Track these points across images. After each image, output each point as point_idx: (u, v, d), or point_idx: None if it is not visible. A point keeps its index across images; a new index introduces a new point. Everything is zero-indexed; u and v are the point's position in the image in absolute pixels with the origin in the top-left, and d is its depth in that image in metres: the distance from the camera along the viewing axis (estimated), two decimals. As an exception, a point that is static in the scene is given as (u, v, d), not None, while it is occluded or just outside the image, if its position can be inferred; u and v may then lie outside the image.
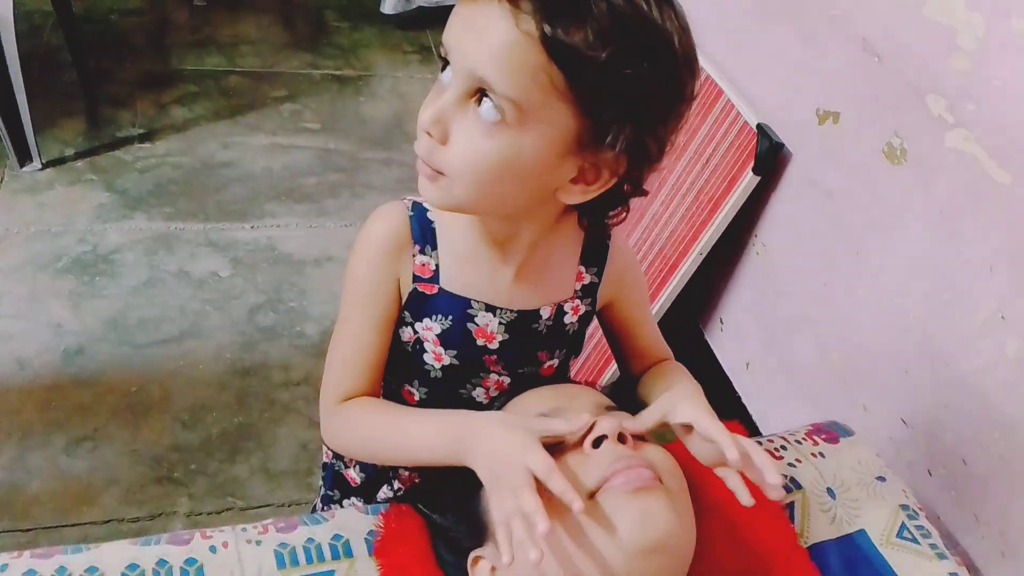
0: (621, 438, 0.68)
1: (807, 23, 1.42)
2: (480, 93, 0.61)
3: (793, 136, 1.44)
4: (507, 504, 0.63)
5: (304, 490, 1.52)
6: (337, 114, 2.55)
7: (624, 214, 0.75)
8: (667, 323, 1.61)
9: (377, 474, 0.92)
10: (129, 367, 1.68)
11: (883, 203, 1.28)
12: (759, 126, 1.46)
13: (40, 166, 2.09)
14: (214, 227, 2.05)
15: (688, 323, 1.76)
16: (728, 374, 1.67)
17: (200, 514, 1.46)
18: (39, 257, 1.87)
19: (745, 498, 0.67)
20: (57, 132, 2.22)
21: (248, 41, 2.78)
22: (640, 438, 0.71)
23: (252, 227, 2.08)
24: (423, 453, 0.73)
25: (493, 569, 0.70)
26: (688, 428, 0.69)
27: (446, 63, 0.64)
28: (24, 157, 2.08)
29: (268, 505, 1.49)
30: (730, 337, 1.68)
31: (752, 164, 1.45)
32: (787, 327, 1.51)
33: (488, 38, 0.59)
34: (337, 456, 0.98)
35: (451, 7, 0.65)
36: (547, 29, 0.57)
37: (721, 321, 1.69)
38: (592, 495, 0.64)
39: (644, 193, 0.70)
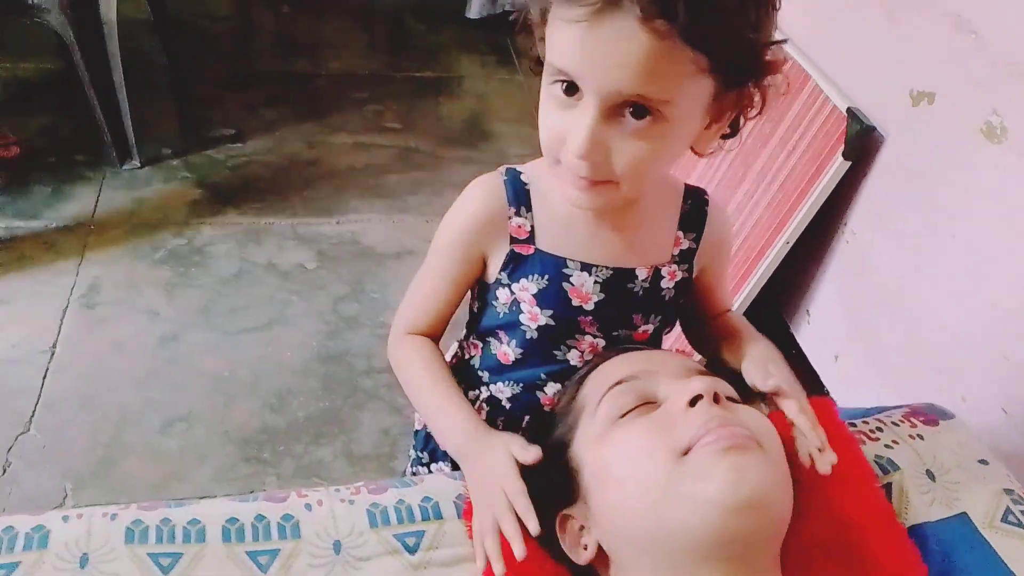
0: (716, 399, 0.67)
1: (896, 2, 1.39)
2: (629, 104, 0.63)
3: (885, 119, 1.41)
4: (484, 521, 0.71)
5: (386, 474, 1.55)
6: (417, 114, 2.59)
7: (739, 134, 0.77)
8: (751, 315, 1.58)
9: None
10: (220, 352, 1.74)
11: (981, 184, 1.24)
12: (849, 110, 1.42)
13: (139, 164, 2.19)
14: (300, 221, 2.11)
15: (773, 315, 1.72)
16: (815, 367, 1.63)
17: (287, 494, 1.50)
18: (137, 249, 1.96)
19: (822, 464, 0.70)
20: (153, 132, 2.32)
21: (331, 45, 2.86)
22: (735, 401, 0.70)
23: (337, 222, 2.13)
24: (436, 430, 0.83)
25: (582, 528, 0.70)
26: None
27: (567, 84, 0.64)
28: (124, 156, 2.18)
29: (352, 487, 1.51)
30: (817, 329, 1.64)
31: (842, 149, 1.42)
32: (877, 317, 1.47)
33: (630, 57, 0.60)
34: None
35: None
36: (685, 26, 0.58)
37: (808, 313, 1.66)
38: (685, 453, 0.64)
39: (762, 110, 0.71)
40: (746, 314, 1.53)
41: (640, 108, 0.63)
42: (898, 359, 1.42)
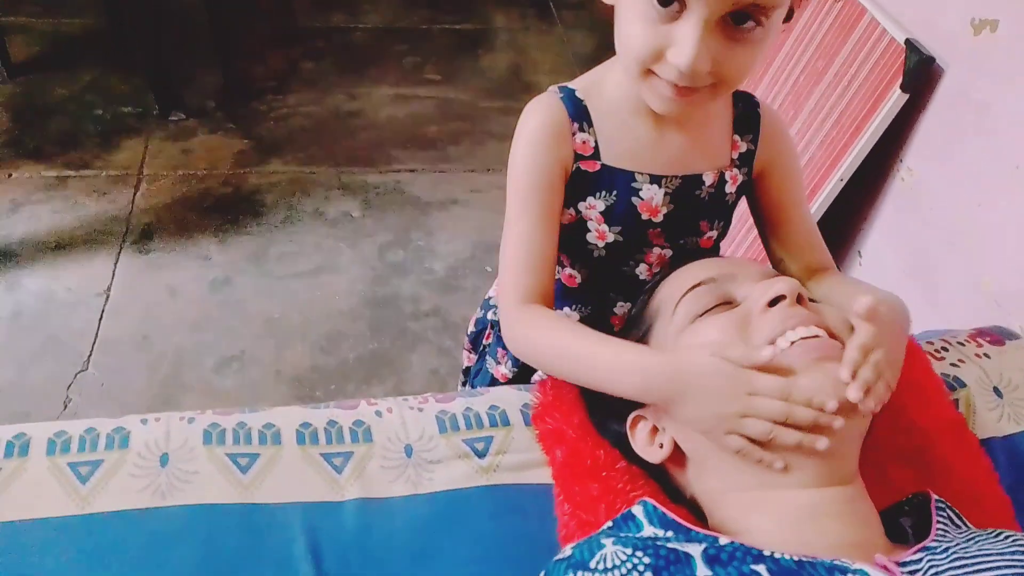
0: (798, 300, 0.66)
1: (962, -71, 1.35)
2: (735, 12, 0.62)
3: (945, 50, 1.37)
4: (758, 424, 0.60)
5: (436, 413, 1.57)
6: (457, 66, 2.58)
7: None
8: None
9: (527, 367, 0.94)
10: (270, 296, 1.77)
11: (1048, 112, 1.21)
12: (907, 41, 1.39)
13: (184, 116, 2.21)
14: (345, 171, 2.12)
15: (822, 258, 1.70)
16: (866, 308, 1.61)
17: (339, 431, 1.52)
18: (187, 197, 1.99)
19: None
20: (198, 85, 2.34)
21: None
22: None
23: (380, 172, 2.14)
24: (610, 385, 0.68)
25: (655, 429, 0.70)
26: None
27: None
28: (170, 108, 2.20)
29: (403, 425, 1.53)
30: (870, 270, 1.62)
31: (900, 81, 1.39)
32: (934, 254, 1.44)
33: None
34: (483, 354, 1.00)
35: None
36: None
37: (860, 255, 1.63)
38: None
39: None
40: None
41: (743, 15, 0.62)
42: (955, 296, 1.40)
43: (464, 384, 1.12)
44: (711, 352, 0.63)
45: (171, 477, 0.73)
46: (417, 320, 1.76)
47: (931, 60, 1.37)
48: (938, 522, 0.61)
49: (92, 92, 2.28)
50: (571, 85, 0.79)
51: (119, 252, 1.83)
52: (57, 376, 1.56)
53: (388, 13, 2.79)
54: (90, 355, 1.61)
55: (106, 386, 1.57)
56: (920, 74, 1.37)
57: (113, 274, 1.78)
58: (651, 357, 0.67)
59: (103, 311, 1.70)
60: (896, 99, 1.40)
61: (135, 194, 1.97)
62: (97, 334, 1.65)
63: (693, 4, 0.61)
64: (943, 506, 0.65)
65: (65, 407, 1.52)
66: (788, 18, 0.71)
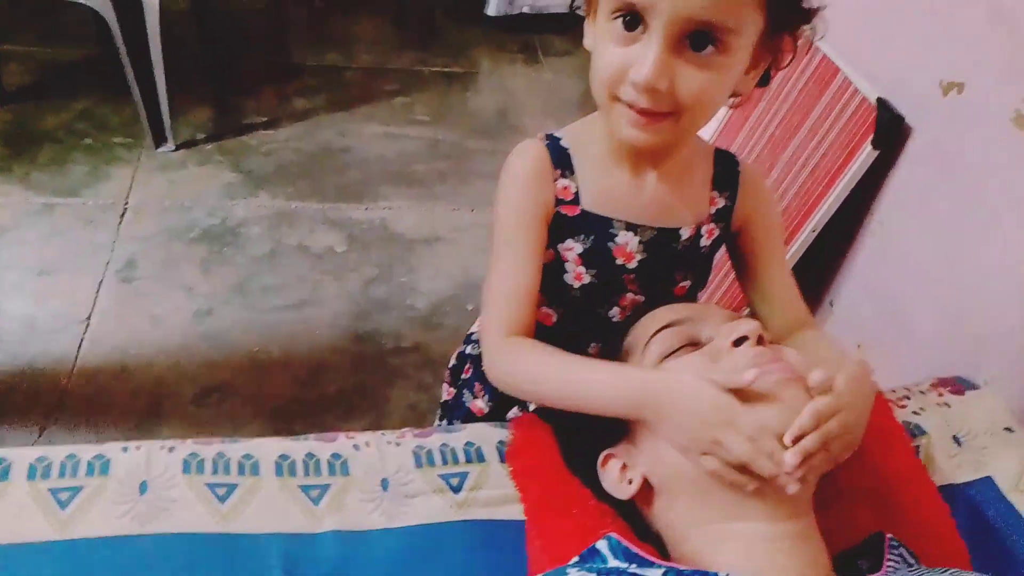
0: (760, 341, 0.69)
1: (933, -5, 1.41)
2: (692, 34, 0.65)
3: (914, 109, 1.43)
4: (729, 452, 0.63)
5: (414, 448, 1.58)
6: (446, 107, 2.63)
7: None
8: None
9: (503, 402, 0.96)
10: (253, 328, 1.78)
11: (1011, 172, 1.26)
12: (879, 100, 1.45)
13: (174, 147, 2.24)
14: (331, 206, 2.15)
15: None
16: (837, 356, 1.64)
17: (317, 464, 1.53)
18: (173, 228, 2.00)
19: None
20: (189, 117, 2.37)
21: (363, 40, 2.90)
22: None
23: (366, 208, 2.17)
24: (599, 402, 0.72)
25: (624, 467, 0.73)
26: None
27: (630, 17, 0.66)
28: (160, 139, 2.23)
29: (380, 460, 1.54)
30: (840, 319, 1.66)
31: (871, 138, 1.44)
32: (904, 304, 1.49)
33: None
34: (462, 387, 1.02)
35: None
36: None
37: (831, 304, 1.68)
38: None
39: (794, 54, 0.74)
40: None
41: (702, 38, 0.65)
42: (924, 346, 1.44)
43: (442, 417, 1.14)
44: (697, 376, 0.66)
45: (150, 505, 0.75)
46: (398, 356, 1.78)
47: (901, 119, 1.43)
48: (889, 559, 0.64)
49: (83, 121, 2.30)
50: (557, 133, 0.83)
51: (102, 280, 1.84)
52: (34, 404, 1.56)
53: (380, 54, 2.84)
54: (68, 383, 1.62)
55: (83, 415, 1.57)
56: (891, 132, 1.43)
57: (95, 302, 1.79)
58: (643, 373, 0.71)
59: (83, 338, 1.71)
60: (867, 155, 1.45)
61: (121, 223, 1.99)
62: (76, 362, 1.66)
63: (653, 24, 0.65)
64: (896, 544, 0.67)
65: (40, 434, 1.52)
66: (764, 83, 0.75)
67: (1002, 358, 1.28)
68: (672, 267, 0.84)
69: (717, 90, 0.69)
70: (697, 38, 0.65)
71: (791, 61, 0.74)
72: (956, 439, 0.93)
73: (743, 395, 0.64)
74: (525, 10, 3.02)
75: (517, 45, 2.99)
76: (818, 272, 1.67)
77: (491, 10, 3.02)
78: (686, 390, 0.66)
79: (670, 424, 0.67)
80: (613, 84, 0.69)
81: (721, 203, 0.84)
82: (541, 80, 2.80)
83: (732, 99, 0.76)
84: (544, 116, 2.59)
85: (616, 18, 0.67)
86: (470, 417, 1.01)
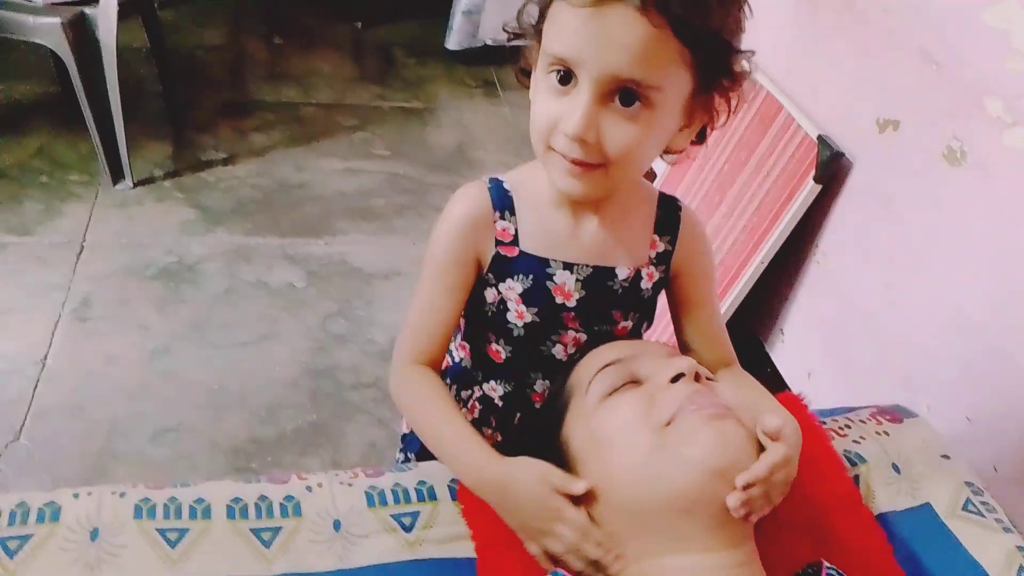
0: (696, 378, 0.72)
1: (864, 38, 1.48)
2: (620, 90, 0.69)
3: (853, 145, 1.49)
4: (556, 544, 0.71)
5: (373, 484, 1.58)
6: (404, 142, 2.66)
7: (705, 143, 0.82)
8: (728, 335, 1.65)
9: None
10: (210, 366, 1.77)
11: (944, 205, 1.32)
12: (819, 137, 1.50)
13: (131, 184, 2.23)
14: (290, 242, 2.16)
15: (748, 336, 1.79)
16: (790, 385, 1.69)
17: (275, 502, 1.52)
18: (129, 265, 1.99)
19: None
20: (147, 154, 2.37)
21: (321, 75, 2.93)
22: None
23: (325, 243, 2.18)
24: (453, 469, 0.82)
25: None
26: None
27: (563, 73, 0.70)
28: (118, 175, 2.22)
29: (339, 496, 1.54)
30: (791, 348, 1.70)
31: (813, 174, 1.50)
32: (848, 334, 1.54)
33: (627, 41, 0.66)
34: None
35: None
36: (677, 18, 0.65)
37: (782, 332, 1.72)
38: (669, 423, 0.69)
39: (726, 121, 0.78)
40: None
41: (629, 95, 0.69)
42: (868, 374, 1.48)
43: (402, 450, 1.15)
44: (538, 474, 0.72)
45: (100, 551, 0.75)
46: (357, 391, 1.78)
47: (840, 155, 1.48)
48: (828, 587, 0.66)
49: (39, 158, 2.29)
50: (502, 177, 0.86)
51: (58, 320, 1.82)
52: (-13, 445, 1.54)
53: (340, 89, 2.87)
54: (23, 425, 1.60)
55: (38, 456, 1.55)
56: (831, 167, 1.48)
57: (51, 342, 1.77)
58: (487, 462, 0.76)
59: (38, 380, 1.69)
60: (810, 189, 1.51)
61: (77, 262, 1.98)
62: (31, 403, 1.64)
63: (583, 79, 0.69)
64: (834, 572, 0.70)
65: (-6, 477, 1.50)
66: (700, 140, 0.79)
67: (937, 387, 1.33)
68: (611, 306, 0.86)
69: (644, 144, 0.72)
70: (624, 94, 0.69)
71: (726, 121, 0.77)
72: (895, 467, 0.97)
73: (679, 432, 0.67)
74: (488, 42, 3.06)
75: (476, 80, 3.04)
76: (769, 303, 1.72)
77: (452, 44, 3.07)
78: (522, 487, 0.72)
79: (507, 513, 0.75)
80: (547, 135, 0.73)
81: (662, 247, 0.87)
82: (499, 115, 2.84)
83: (669, 156, 0.80)
84: (501, 151, 2.63)
85: (551, 72, 0.71)
86: (426, 452, 1.02)
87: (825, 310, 1.59)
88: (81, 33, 2.02)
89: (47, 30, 1.96)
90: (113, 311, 1.87)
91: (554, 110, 0.71)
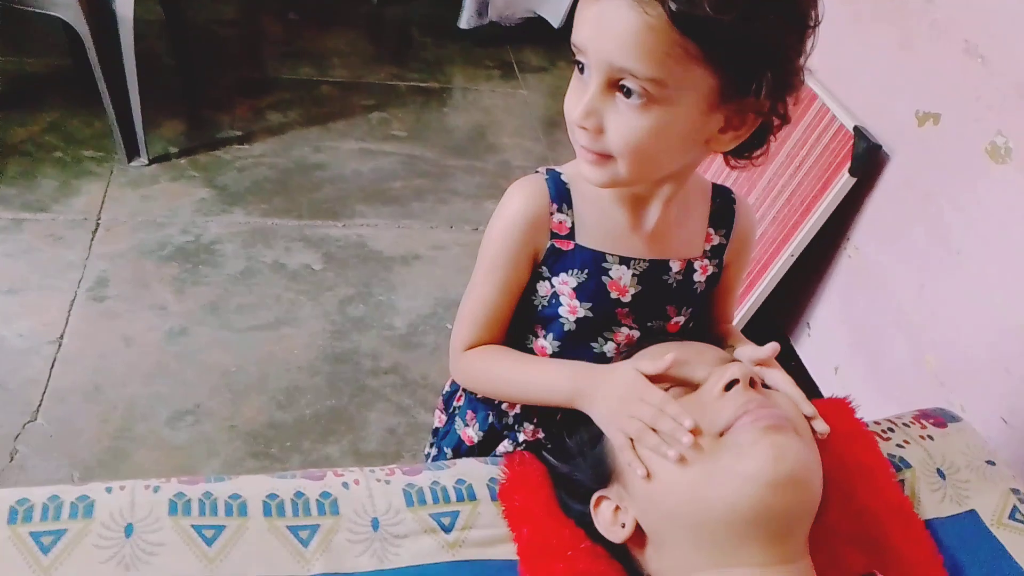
0: (752, 384, 0.70)
1: (907, 28, 1.44)
2: (622, 80, 0.67)
3: (891, 138, 1.46)
4: (634, 423, 0.70)
5: (393, 472, 1.56)
6: (422, 123, 2.63)
7: (767, 150, 0.79)
8: (752, 328, 1.63)
9: (494, 433, 0.95)
10: (228, 349, 1.75)
11: (985, 203, 1.28)
12: (856, 128, 1.47)
13: (147, 162, 2.20)
14: (307, 224, 2.13)
15: (773, 328, 1.76)
16: (815, 379, 1.66)
17: (294, 489, 1.51)
18: (145, 245, 1.97)
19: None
20: (162, 132, 2.34)
21: (338, 54, 2.89)
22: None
23: (343, 225, 2.15)
24: (542, 393, 0.82)
25: (617, 509, 0.73)
26: None
27: (579, 63, 0.70)
28: (133, 152, 2.19)
29: (359, 484, 1.53)
30: (817, 342, 1.68)
31: (848, 166, 1.47)
32: (879, 331, 1.51)
33: (619, 30, 0.64)
34: (453, 415, 1.02)
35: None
36: (672, 7, 0.62)
37: (808, 326, 1.70)
38: (722, 434, 0.67)
39: (788, 121, 0.75)
40: (748, 326, 1.57)
41: (633, 87, 0.66)
42: (898, 372, 1.46)
43: (432, 445, 1.13)
44: (630, 364, 0.74)
45: (136, 548, 0.73)
46: (376, 377, 1.76)
47: (878, 147, 1.45)
48: (884, 603, 0.64)
49: (53, 134, 2.26)
50: (559, 168, 0.84)
51: (73, 299, 1.80)
52: (4, 426, 1.52)
53: (356, 68, 2.83)
54: (40, 405, 1.58)
55: (55, 437, 1.53)
56: (867, 160, 1.45)
57: (67, 321, 1.75)
58: (575, 365, 0.80)
59: (55, 359, 1.67)
60: (844, 182, 1.47)
61: (92, 240, 1.95)
62: (48, 383, 1.62)
63: (589, 67, 0.69)
64: (889, 586, 0.68)
65: (12, 459, 1.48)
66: (760, 144, 0.76)
67: (973, 388, 1.30)
68: (665, 300, 0.84)
69: (648, 138, 0.69)
70: (626, 85, 0.67)
71: (778, 128, 0.74)
72: (940, 472, 0.95)
73: (734, 444, 0.65)
74: (493, 19, 3.01)
75: (493, 61, 3.00)
76: (796, 296, 1.69)
77: (463, 23, 3.02)
78: (614, 376, 0.74)
79: (594, 408, 0.75)
80: (568, 124, 0.73)
81: (716, 240, 0.85)
82: (517, 97, 2.80)
83: (737, 161, 0.78)
84: (520, 135, 2.59)
85: (574, 62, 0.71)
86: (460, 445, 1.00)
87: (855, 305, 1.56)
88: (97, 5, 1.98)
89: (63, 2, 1.92)
90: (129, 291, 1.85)
91: (572, 99, 0.72)
